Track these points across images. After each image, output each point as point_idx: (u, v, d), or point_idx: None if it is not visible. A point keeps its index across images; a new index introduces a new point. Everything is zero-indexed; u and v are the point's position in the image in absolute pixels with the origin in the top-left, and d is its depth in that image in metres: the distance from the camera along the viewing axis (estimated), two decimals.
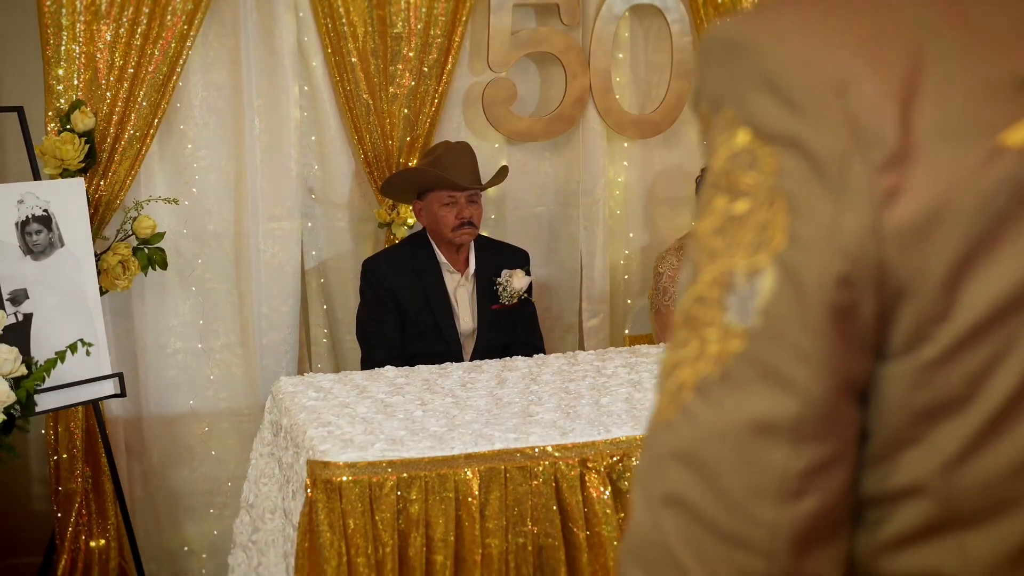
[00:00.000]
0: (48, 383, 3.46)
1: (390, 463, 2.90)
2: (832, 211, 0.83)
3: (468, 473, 2.93)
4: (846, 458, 0.87)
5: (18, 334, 3.49)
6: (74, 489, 4.15)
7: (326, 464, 2.89)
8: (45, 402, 3.53)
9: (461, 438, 3.02)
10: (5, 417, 2.91)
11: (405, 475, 2.89)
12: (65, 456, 4.13)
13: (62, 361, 3.12)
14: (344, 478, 2.87)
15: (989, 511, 0.85)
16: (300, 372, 4.37)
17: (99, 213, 4.09)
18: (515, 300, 4.25)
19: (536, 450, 2.98)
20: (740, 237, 0.87)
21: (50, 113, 4.03)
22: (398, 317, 4.14)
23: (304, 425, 3.15)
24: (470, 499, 2.92)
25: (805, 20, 0.87)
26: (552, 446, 2.99)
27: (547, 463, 2.97)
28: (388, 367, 3.77)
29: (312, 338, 4.59)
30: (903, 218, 0.82)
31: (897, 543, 0.88)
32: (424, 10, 4.34)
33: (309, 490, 2.89)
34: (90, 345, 3.25)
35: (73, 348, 3.12)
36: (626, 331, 4.88)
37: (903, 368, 0.85)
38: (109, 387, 3.75)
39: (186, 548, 4.47)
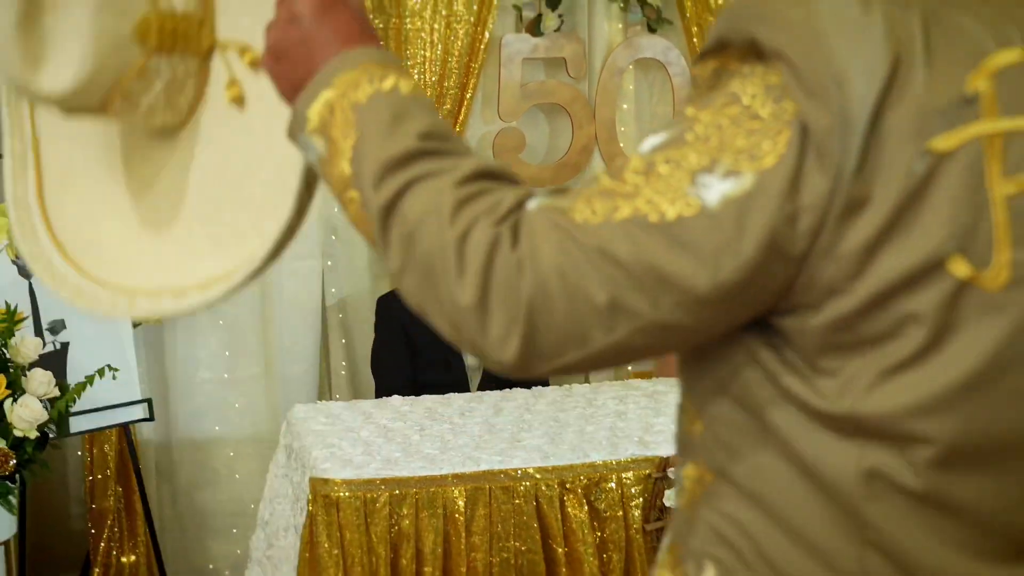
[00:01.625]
0: (82, 407, 3.77)
1: (384, 481, 3.18)
2: (814, 168, 0.99)
3: (455, 492, 3.20)
4: (695, 335, 1.06)
5: (56, 361, 3.81)
6: (107, 507, 4.46)
7: (326, 481, 3.18)
8: (79, 424, 3.84)
9: (451, 460, 3.30)
10: (39, 434, 3.21)
11: (397, 492, 3.17)
12: (99, 476, 4.45)
13: (91, 384, 3.43)
14: (342, 494, 3.15)
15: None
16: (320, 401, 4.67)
17: None
18: None
19: (519, 472, 3.25)
20: (736, 141, 1.02)
21: None
22: (409, 351, 4.42)
23: (310, 447, 3.44)
24: (457, 516, 3.19)
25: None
26: (534, 468, 3.26)
27: (529, 484, 3.23)
28: (395, 396, 4.06)
29: (332, 370, 4.88)
30: (848, 196, 0.99)
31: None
32: (439, 63, 4.65)
33: (310, 505, 3.18)
34: (116, 370, 3.55)
35: (101, 372, 3.43)
36: (629, 367, 5.13)
37: (818, 316, 1.02)
38: (139, 411, 4.05)
39: (211, 566, 4.76)
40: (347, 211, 1.15)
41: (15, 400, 3.19)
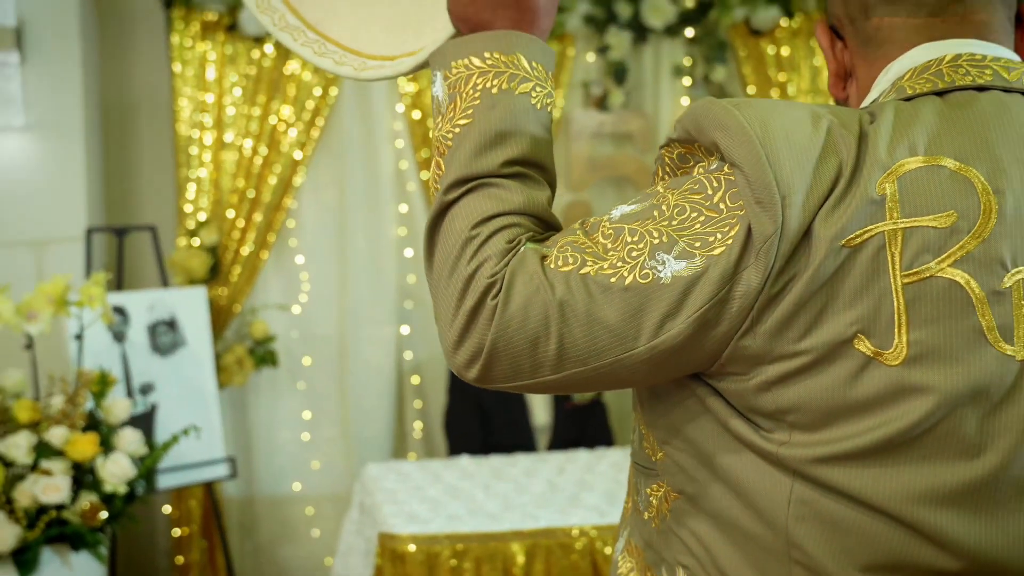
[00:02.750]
0: (169, 464, 4.01)
1: (448, 536, 3.37)
2: (751, 264, 1.14)
3: (515, 547, 3.37)
4: (632, 383, 1.24)
5: (145, 421, 4.06)
6: (192, 561, 4.69)
7: (393, 536, 3.37)
8: (166, 480, 4.08)
9: (512, 517, 3.47)
10: (128, 489, 3.44)
11: (460, 547, 3.35)
12: (185, 531, 4.68)
13: (176, 443, 3.66)
14: (408, 548, 3.34)
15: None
16: (392, 460, 4.87)
17: (220, 317, 4.67)
18: (587, 399, 4.70)
19: (576, 529, 3.41)
20: (695, 226, 1.17)
21: (181, 230, 4.65)
22: (479, 413, 4.62)
23: (381, 503, 3.64)
24: (516, 570, 3.36)
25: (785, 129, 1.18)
26: (591, 525, 3.42)
27: (585, 541, 3.39)
28: (464, 456, 4.24)
29: (407, 431, 5.08)
30: (774, 288, 1.14)
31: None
32: None
33: (378, 558, 3.37)
34: (199, 429, 3.78)
35: (186, 432, 3.66)
36: None
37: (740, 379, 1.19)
38: (222, 470, 4.28)
39: None
40: (431, 160, 1.33)
41: (106, 457, 3.42)
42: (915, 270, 1.15)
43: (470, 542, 3.36)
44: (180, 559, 4.71)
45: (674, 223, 1.19)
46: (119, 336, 4.14)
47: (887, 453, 1.17)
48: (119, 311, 4.13)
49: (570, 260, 1.20)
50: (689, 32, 5.05)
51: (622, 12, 4.97)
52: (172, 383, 4.21)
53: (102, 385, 3.60)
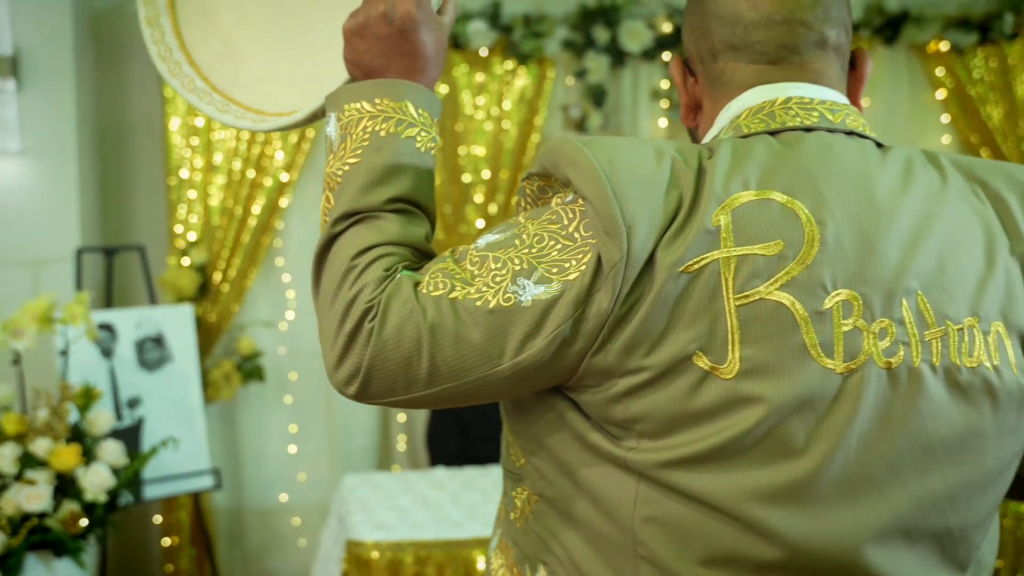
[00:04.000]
0: (157, 475, 4.17)
1: (412, 543, 3.51)
2: (601, 289, 1.25)
3: (476, 553, 3.52)
4: (499, 397, 1.33)
5: (132, 434, 4.23)
6: (182, 569, 4.85)
7: (359, 543, 3.52)
8: (153, 491, 4.25)
9: (474, 526, 3.62)
10: (108, 499, 3.61)
11: (423, 553, 3.50)
12: (175, 540, 4.84)
13: (155, 455, 3.83)
14: (373, 554, 3.49)
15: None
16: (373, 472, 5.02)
17: (209, 333, 4.84)
18: None
19: None
20: (552, 253, 1.28)
21: (171, 249, 4.83)
22: (459, 427, 4.77)
23: (352, 512, 3.79)
24: (476, 575, 3.50)
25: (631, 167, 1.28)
26: None
27: None
28: (439, 467, 4.40)
29: (391, 444, 5.23)
30: (622, 310, 1.25)
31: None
32: (491, 160, 5.04)
33: (345, 564, 3.52)
34: (177, 441, 3.96)
35: (165, 443, 3.83)
36: None
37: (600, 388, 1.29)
38: (208, 480, 4.44)
39: None
40: (323, 196, 1.47)
41: (88, 468, 3.59)
42: (746, 293, 1.26)
43: (432, 549, 3.50)
44: (170, 567, 4.87)
45: (534, 251, 1.30)
46: (107, 352, 4.31)
47: (723, 457, 1.27)
48: (107, 328, 4.31)
49: (440, 285, 1.31)
50: (666, 56, 5.19)
51: (600, 37, 5.12)
52: (159, 397, 4.37)
53: (86, 398, 3.77)
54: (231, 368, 4.78)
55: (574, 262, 1.28)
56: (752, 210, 1.28)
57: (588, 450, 1.34)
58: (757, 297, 1.26)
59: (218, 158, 4.85)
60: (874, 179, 1.34)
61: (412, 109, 1.46)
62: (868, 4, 5.33)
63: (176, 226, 4.84)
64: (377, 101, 1.45)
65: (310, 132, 4.90)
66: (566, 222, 1.31)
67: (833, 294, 1.27)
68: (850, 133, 1.38)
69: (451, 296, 1.30)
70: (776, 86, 1.41)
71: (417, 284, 1.33)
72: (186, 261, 4.81)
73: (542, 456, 1.39)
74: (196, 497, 4.72)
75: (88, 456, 3.64)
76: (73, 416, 3.74)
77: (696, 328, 1.26)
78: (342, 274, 1.37)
